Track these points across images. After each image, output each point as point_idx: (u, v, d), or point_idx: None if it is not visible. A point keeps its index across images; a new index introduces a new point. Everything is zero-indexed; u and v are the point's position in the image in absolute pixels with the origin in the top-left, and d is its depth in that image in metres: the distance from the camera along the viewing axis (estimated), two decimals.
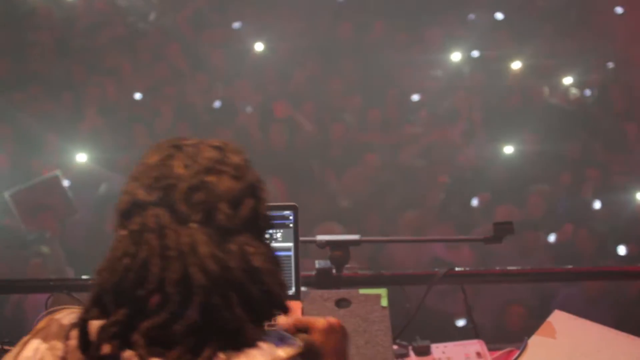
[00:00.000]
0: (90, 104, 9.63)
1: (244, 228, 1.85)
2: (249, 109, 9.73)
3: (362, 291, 3.10)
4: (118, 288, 1.80)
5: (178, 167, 1.87)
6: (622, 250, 7.69)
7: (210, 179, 1.86)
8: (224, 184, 1.86)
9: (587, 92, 10.27)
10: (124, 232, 1.84)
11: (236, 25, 10.79)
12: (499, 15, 11.07)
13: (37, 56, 10.26)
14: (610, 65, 10.40)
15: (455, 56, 10.33)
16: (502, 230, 3.32)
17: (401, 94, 10.16)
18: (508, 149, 8.96)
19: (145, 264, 1.79)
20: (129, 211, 1.86)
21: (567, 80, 10.09)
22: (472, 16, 11.00)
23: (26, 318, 6.37)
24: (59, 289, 3.35)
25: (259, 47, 10.35)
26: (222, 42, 10.46)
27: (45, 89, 9.84)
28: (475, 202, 8.38)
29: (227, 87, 10.01)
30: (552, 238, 7.92)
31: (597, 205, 8.38)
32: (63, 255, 7.61)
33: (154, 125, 9.35)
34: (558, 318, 3.22)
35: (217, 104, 9.76)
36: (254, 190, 1.91)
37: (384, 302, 3.08)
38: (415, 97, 10.12)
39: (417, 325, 3.27)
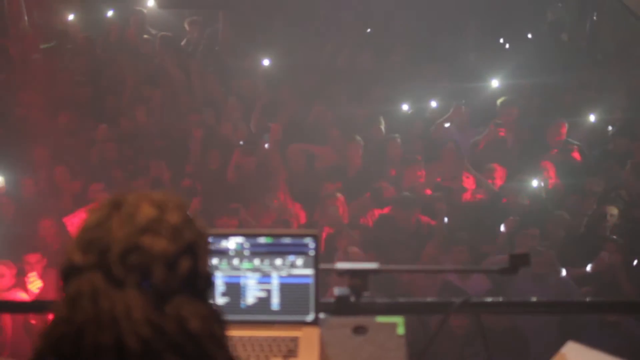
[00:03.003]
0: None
1: (182, 289, 1.80)
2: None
3: (379, 319, 3.14)
4: (56, 355, 1.76)
5: (115, 229, 1.82)
6: None
7: (146, 240, 1.80)
8: (160, 244, 1.80)
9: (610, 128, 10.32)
10: (62, 296, 1.81)
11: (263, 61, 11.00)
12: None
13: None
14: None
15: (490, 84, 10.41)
16: (518, 261, 3.31)
17: (426, 126, 10.25)
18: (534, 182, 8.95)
19: (81, 330, 1.74)
20: (67, 274, 1.82)
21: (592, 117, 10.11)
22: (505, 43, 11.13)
23: None
24: None
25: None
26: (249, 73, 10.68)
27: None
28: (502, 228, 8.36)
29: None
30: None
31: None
32: None
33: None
34: (572, 349, 3.22)
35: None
36: (192, 250, 1.84)
37: (400, 331, 3.11)
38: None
39: (434, 350, 3.28)
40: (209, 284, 1.88)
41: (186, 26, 11.88)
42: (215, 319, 1.84)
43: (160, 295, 1.77)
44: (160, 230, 1.82)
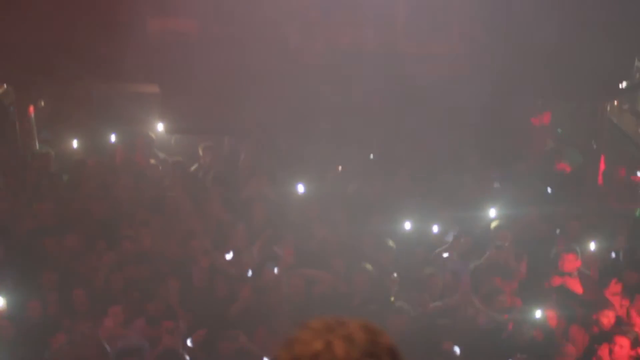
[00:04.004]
0: None
1: None
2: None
3: None
4: None
5: (340, 353, 1.98)
6: None
7: None
8: None
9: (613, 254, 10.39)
10: None
11: None
12: None
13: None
14: None
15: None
16: None
17: (428, 251, 10.34)
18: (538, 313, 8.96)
19: None
20: None
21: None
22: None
23: None
24: None
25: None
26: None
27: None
28: None
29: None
30: None
31: None
32: None
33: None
34: None
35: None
36: None
37: None
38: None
39: None
40: None
41: (200, 151, 12.09)
42: None
43: None
44: (379, 353, 1.99)
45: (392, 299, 9.42)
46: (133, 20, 11.20)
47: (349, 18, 11.46)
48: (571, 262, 9.64)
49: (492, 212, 10.75)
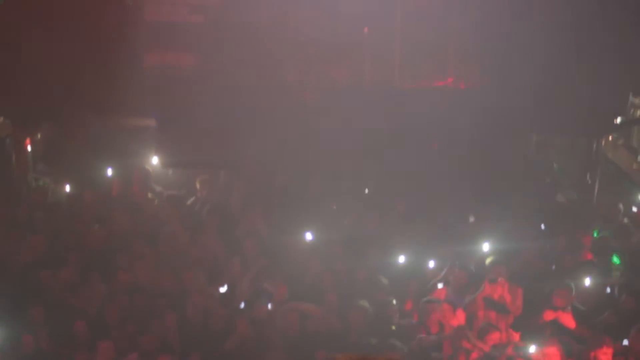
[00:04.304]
0: None
1: None
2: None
3: None
4: None
5: None
6: None
7: None
8: None
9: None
10: None
11: None
12: None
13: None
14: None
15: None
16: None
17: (422, 285, 10.33)
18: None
19: None
20: None
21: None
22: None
23: None
24: None
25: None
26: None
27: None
28: None
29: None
30: None
31: None
32: None
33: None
34: None
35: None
36: None
37: None
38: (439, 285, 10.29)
39: None
40: None
41: (197, 184, 12.11)
42: None
43: None
44: None
45: (393, 327, 9.41)
46: (130, 55, 11.29)
47: (346, 54, 11.55)
48: (565, 297, 9.64)
49: (487, 247, 10.75)
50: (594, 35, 11.41)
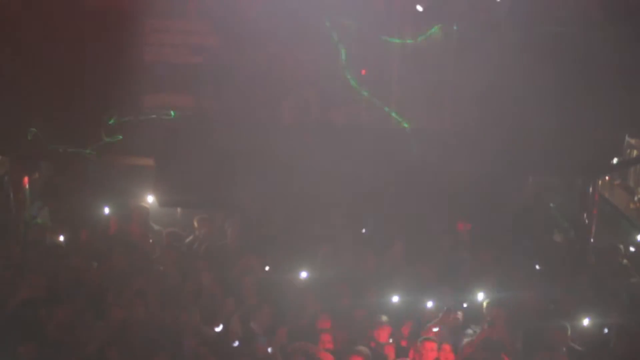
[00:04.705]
0: None
1: None
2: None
3: None
4: None
5: None
6: None
7: None
8: None
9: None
10: None
11: None
12: None
13: None
14: None
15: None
16: None
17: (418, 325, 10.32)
18: None
19: None
20: None
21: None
22: None
23: None
24: None
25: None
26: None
27: None
28: None
29: None
30: None
31: None
32: None
33: None
34: None
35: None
36: None
37: None
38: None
39: None
40: None
41: (195, 223, 12.12)
42: None
43: None
44: None
45: None
46: (129, 95, 11.36)
47: (343, 94, 11.63)
48: (561, 337, 9.62)
49: (485, 289, 10.73)
50: (590, 77, 11.50)
